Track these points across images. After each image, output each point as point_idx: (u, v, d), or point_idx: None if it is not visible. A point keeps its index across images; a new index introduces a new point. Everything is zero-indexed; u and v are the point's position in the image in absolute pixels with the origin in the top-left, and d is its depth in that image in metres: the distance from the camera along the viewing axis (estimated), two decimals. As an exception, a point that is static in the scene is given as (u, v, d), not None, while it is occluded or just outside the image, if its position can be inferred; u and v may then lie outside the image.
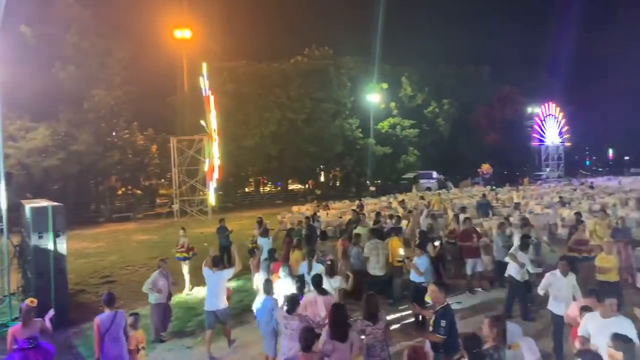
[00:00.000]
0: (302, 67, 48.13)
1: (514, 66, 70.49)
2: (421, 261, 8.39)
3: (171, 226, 26.41)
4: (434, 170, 48.86)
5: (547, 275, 7.15)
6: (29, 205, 10.20)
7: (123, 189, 38.28)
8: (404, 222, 13.77)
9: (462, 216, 12.97)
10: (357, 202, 25.44)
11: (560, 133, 72.08)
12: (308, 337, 4.72)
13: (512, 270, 8.62)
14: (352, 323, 5.49)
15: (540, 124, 70.22)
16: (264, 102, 42.67)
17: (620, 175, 57.89)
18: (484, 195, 24.29)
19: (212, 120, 32.10)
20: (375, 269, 9.65)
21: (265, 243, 10.95)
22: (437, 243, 10.46)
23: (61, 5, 31.16)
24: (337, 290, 7.63)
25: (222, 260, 9.62)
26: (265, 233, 11.71)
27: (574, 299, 6.61)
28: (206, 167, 32.10)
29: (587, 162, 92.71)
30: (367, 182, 52.52)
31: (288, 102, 44.16)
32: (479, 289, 10.46)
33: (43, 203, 10.48)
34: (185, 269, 12.07)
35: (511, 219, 13.65)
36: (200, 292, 11.39)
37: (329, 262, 8.00)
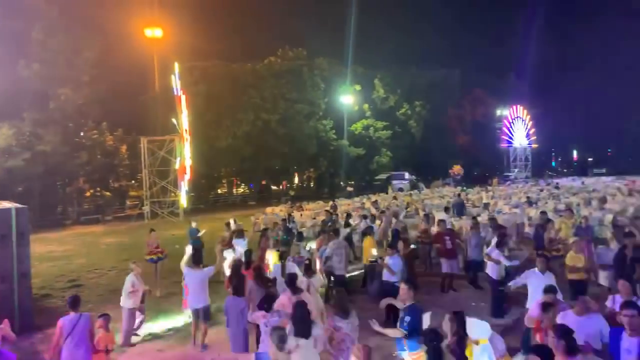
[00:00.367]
0: (275, 67, 47.99)
1: (484, 69, 72.21)
2: (394, 261, 8.48)
3: (142, 228, 25.85)
4: (406, 171, 49.57)
5: (526, 272, 7.32)
6: (-10, 207, 9.83)
7: (91, 191, 37.19)
8: (377, 222, 13.88)
9: (442, 216, 13.20)
10: (330, 202, 25.54)
11: (527, 135, 74.29)
12: (283, 334, 4.81)
13: (489, 269, 8.80)
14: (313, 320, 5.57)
15: (508, 126, 72.21)
16: (237, 103, 42.35)
17: (584, 175, 59.96)
18: (458, 195, 24.96)
19: (184, 121, 31.66)
20: (339, 269, 9.72)
21: (240, 244, 10.93)
22: (412, 246, 10.62)
23: (26, 1, 30.14)
24: (317, 289, 7.68)
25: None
26: (240, 234, 11.71)
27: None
28: (177, 167, 31.64)
29: (553, 164, 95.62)
30: (342, 183, 52.85)
31: (261, 102, 43.95)
32: (451, 290, 10.52)
33: (6, 205, 10.11)
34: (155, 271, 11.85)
35: (479, 218, 13.95)
36: (170, 295, 11.20)
37: (307, 262, 8.05)
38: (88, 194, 37.37)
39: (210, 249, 13.34)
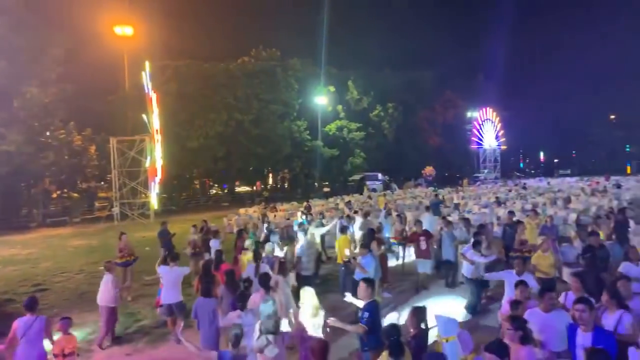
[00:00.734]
0: (249, 67, 47.69)
1: (454, 72, 73.73)
2: (366, 260, 8.54)
3: (111, 230, 25.26)
4: (379, 172, 50.09)
5: (502, 273, 7.47)
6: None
7: (58, 192, 36.09)
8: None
9: (425, 216, 13.30)
10: (305, 203, 25.56)
11: (497, 137, 76.22)
12: (237, 333, 4.85)
13: (464, 269, 8.92)
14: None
15: (478, 127, 73.96)
16: (210, 103, 41.88)
17: (550, 176, 61.90)
18: (436, 195, 25.46)
19: (155, 120, 31.11)
20: (306, 269, 9.75)
21: (215, 245, 10.97)
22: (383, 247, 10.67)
23: (-12, -5, 29.03)
24: (289, 287, 7.72)
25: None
26: (216, 234, 11.81)
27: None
28: (147, 166, 31.07)
29: (521, 165, 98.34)
30: (316, 184, 52.92)
31: (235, 102, 43.59)
32: (423, 289, 10.54)
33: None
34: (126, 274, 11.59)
35: (449, 218, 14.20)
36: (140, 297, 11.00)
37: (282, 261, 8.07)
38: (55, 195, 36.29)
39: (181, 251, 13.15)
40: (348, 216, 14.69)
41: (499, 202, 21.89)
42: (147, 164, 30.91)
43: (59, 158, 32.81)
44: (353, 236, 12.64)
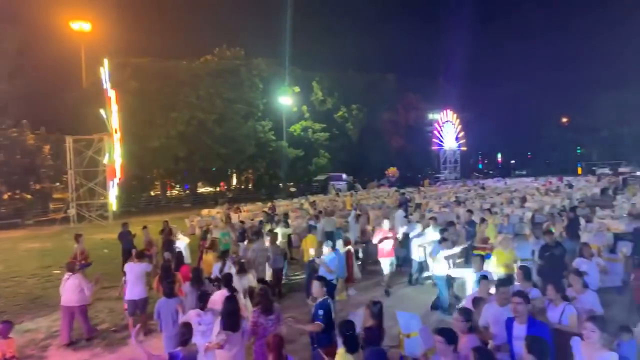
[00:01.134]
0: (212, 66, 47.00)
1: (417, 74, 75.40)
2: (331, 258, 8.61)
3: (67, 232, 24.29)
4: (344, 172, 50.51)
5: (463, 270, 7.65)
6: None
7: (9, 194, 34.36)
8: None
9: (399, 215, 13.46)
10: (269, 204, 25.46)
11: (457, 138, 78.37)
12: (185, 331, 4.84)
13: (433, 267, 9.04)
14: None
15: (439, 129, 75.78)
16: (171, 101, 40.99)
17: (507, 177, 64.12)
18: (403, 194, 25.93)
19: (114, 119, 30.16)
20: (260, 271, 9.74)
21: (181, 246, 10.91)
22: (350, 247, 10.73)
23: None
24: (245, 288, 7.71)
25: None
26: (181, 235, 11.65)
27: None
28: (106, 168, 30.11)
29: (480, 165, 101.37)
30: (280, 184, 52.77)
31: (197, 101, 42.84)
32: (390, 290, 10.44)
33: None
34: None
35: (411, 217, 14.52)
36: (96, 302, 10.66)
37: (242, 261, 8.05)
38: (6, 196, 34.53)
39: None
40: (316, 216, 14.79)
41: (458, 202, 22.54)
42: (106, 160, 29.88)
43: (10, 158, 31.32)
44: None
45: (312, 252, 10.11)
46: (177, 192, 56.83)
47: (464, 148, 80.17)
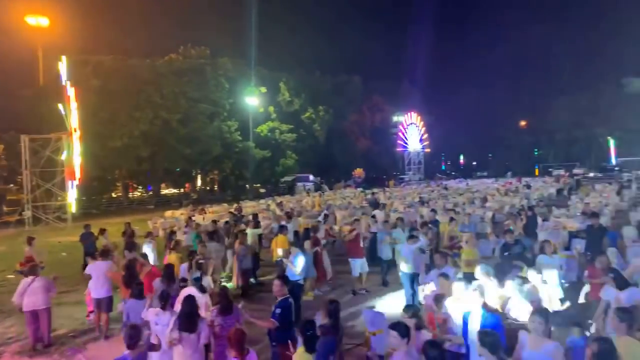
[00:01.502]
0: (177, 65, 46.12)
1: (382, 78, 76.59)
2: (297, 259, 8.62)
3: (21, 236, 23.21)
4: (311, 173, 50.60)
5: (431, 273, 7.79)
6: None
7: (-42, 195, 32.71)
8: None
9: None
10: (235, 205, 25.23)
11: (421, 140, 79.99)
12: (133, 333, 4.74)
13: (401, 266, 9.09)
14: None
15: (404, 131, 77.12)
16: (134, 100, 39.98)
17: (469, 178, 65.91)
18: (373, 194, 26.27)
19: (73, 117, 29.11)
20: (216, 272, 9.73)
21: (147, 247, 10.85)
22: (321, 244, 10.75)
23: None
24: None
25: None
26: (148, 237, 11.67)
27: None
28: (65, 168, 29.04)
29: (443, 167, 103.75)
30: (247, 185, 52.31)
31: (161, 101, 41.92)
32: (363, 291, 10.41)
33: None
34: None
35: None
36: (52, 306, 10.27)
37: (200, 262, 8.02)
38: (-45, 198, 32.83)
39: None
40: (289, 216, 14.78)
41: (422, 202, 23.03)
42: (64, 156, 28.79)
43: (-41, 157, 29.76)
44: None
45: (280, 252, 10.09)
46: (139, 193, 55.41)
47: (427, 150, 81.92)
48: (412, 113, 77.46)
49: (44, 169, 29.75)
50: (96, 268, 8.40)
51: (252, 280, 11.02)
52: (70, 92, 29.11)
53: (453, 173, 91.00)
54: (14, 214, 30.14)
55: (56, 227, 27.46)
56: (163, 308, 5.78)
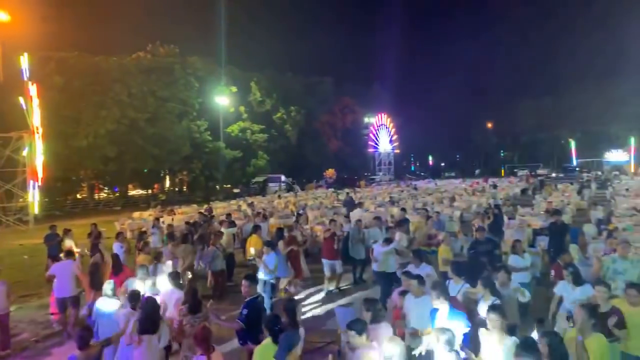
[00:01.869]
0: (145, 63, 45.10)
1: (353, 79, 77.10)
2: (270, 258, 8.59)
3: (-21, 239, 22.35)
4: (282, 174, 50.43)
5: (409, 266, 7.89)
6: None
7: None
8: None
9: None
10: (205, 206, 24.90)
11: (391, 141, 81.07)
12: (84, 334, 4.74)
13: (374, 265, 9.17)
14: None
15: (374, 132, 78.01)
16: (100, 99, 38.85)
17: (438, 178, 67.17)
18: (347, 194, 26.52)
19: (35, 115, 28.07)
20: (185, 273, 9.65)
21: (117, 247, 10.60)
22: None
23: None
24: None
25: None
26: (118, 237, 11.31)
27: None
28: (27, 168, 27.99)
29: (412, 168, 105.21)
30: (217, 186, 51.65)
31: (128, 99, 40.88)
32: (335, 290, 10.40)
33: None
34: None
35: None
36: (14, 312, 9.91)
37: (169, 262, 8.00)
38: None
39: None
40: (264, 216, 14.70)
41: (392, 202, 23.35)
42: (25, 152, 27.74)
43: None
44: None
45: (252, 251, 10.05)
46: (105, 194, 53.85)
47: (397, 151, 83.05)
48: (383, 114, 78.39)
49: (4, 169, 28.53)
50: (60, 267, 8.31)
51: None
52: (32, 89, 28.08)
53: (422, 174, 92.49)
54: (-30, 216, 28.83)
55: (17, 229, 26.45)
56: (134, 308, 5.72)
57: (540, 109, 75.56)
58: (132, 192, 54.40)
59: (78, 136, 37.07)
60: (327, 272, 10.35)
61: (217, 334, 6.31)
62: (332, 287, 10.43)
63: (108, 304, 6.24)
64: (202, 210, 20.46)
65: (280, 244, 9.66)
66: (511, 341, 4.36)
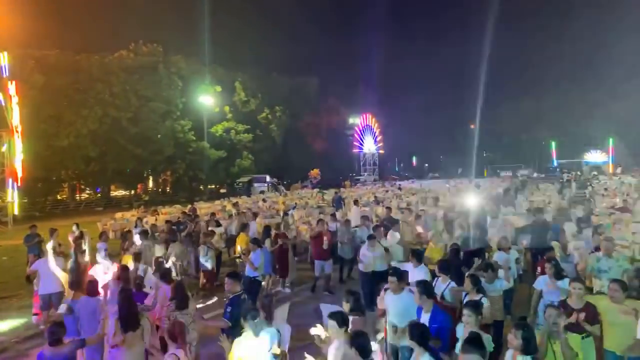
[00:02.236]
0: (127, 62, 44.53)
1: (338, 80, 77.33)
2: (256, 256, 8.58)
3: (-44, 240, 21.81)
4: (267, 174, 50.27)
5: (403, 264, 7.92)
6: None
7: None
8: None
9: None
10: (189, 206, 24.69)
11: (375, 142, 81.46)
12: (56, 330, 4.67)
13: (361, 266, 9.13)
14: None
15: (359, 133, 78.36)
16: (82, 97, 38.29)
17: (422, 179, 67.74)
18: (336, 192, 26.99)
19: (15, 114, 27.51)
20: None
21: (101, 247, 10.40)
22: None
23: None
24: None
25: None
26: (102, 237, 11.19)
27: None
28: (6, 168, 27.41)
29: (397, 168, 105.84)
30: (201, 187, 51.22)
31: (111, 98, 40.35)
32: (326, 292, 10.24)
33: None
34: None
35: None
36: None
37: (159, 261, 7.97)
38: None
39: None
40: (254, 213, 14.78)
41: (377, 201, 23.45)
42: (4, 149, 27.16)
43: None
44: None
45: (238, 248, 10.02)
46: (87, 195, 53.01)
47: (382, 151, 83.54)
48: (368, 115, 78.80)
49: (-18, 169, 27.98)
50: (44, 263, 8.26)
51: None
52: (12, 87, 27.53)
53: (406, 174, 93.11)
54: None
55: (-5, 230, 25.89)
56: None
57: (522, 111, 76.84)
58: (114, 193, 53.68)
59: (59, 136, 36.47)
60: (316, 272, 10.32)
61: (204, 333, 6.31)
62: (321, 285, 10.42)
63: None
64: (186, 211, 20.30)
65: (267, 241, 9.64)
66: (485, 337, 4.41)
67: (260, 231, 12.03)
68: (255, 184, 46.48)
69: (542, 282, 6.32)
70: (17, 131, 27.54)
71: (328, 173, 63.88)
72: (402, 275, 6.01)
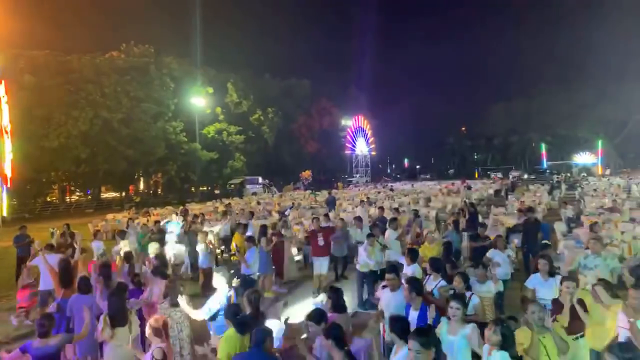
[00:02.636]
0: (119, 63, 44.25)
1: (331, 82, 77.52)
2: (250, 254, 8.59)
3: (-56, 242, 21.46)
4: (259, 175, 50.19)
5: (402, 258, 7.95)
6: None
7: None
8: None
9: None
10: (181, 207, 24.59)
11: (367, 143, 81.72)
12: (44, 322, 4.70)
13: (358, 265, 9.13)
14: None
15: (351, 135, 78.54)
16: (72, 98, 37.94)
17: (414, 180, 68.04)
18: (329, 193, 27.24)
19: (4, 114, 27.24)
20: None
21: (97, 246, 10.71)
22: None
23: None
24: None
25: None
26: (96, 236, 11.12)
27: None
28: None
29: (389, 170, 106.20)
30: (193, 189, 50.97)
31: (102, 99, 40.02)
32: (318, 291, 10.15)
33: None
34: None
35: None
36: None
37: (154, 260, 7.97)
38: None
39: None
40: (251, 212, 14.87)
41: (369, 202, 23.48)
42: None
43: None
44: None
45: (233, 245, 10.02)
46: (77, 196, 52.54)
47: (374, 153, 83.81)
48: (360, 117, 79.04)
49: (-30, 170, 27.64)
50: (42, 262, 8.18)
51: None
52: (1, 87, 27.29)
53: (398, 176, 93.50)
54: None
55: (-16, 232, 25.53)
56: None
57: (512, 113, 77.57)
58: (105, 195, 53.26)
59: (49, 136, 36.13)
60: (316, 270, 10.26)
61: (199, 331, 6.31)
62: (318, 285, 10.36)
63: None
64: (178, 212, 20.22)
65: (263, 240, 9.62)
66: (469, 329, 4.45)
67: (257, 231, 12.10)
68: (248, 186, 46.41)
69: (535, 281, 6.38)
70: (6, 131, 27.26)
71: (320, 174, 63.99)
72: (400, 273, 6.07)
